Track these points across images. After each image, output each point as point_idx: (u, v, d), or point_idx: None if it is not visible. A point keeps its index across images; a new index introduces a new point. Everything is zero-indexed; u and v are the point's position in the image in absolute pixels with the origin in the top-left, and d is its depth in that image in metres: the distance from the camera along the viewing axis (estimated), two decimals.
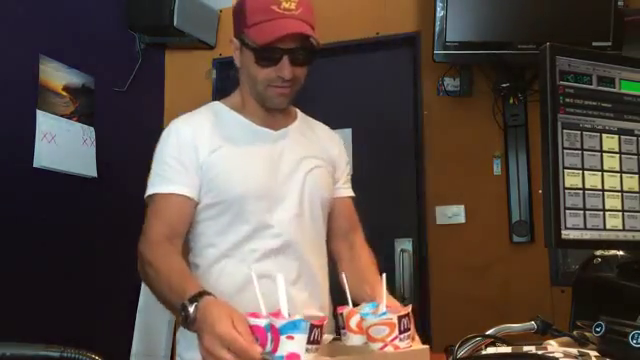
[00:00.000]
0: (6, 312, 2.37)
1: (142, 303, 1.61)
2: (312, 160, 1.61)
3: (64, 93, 2.87)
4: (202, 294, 1.20)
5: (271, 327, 0.99)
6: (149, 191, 1.50)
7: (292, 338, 0.97)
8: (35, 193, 2.68)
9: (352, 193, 1.75)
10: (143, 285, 1.60)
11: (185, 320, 1.19)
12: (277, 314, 1.03)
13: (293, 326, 0.97)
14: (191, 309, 1.17)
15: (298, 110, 1.70)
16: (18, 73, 2.66)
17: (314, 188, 1.58)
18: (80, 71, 2.96)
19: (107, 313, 2.76)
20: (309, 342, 0.97)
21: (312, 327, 0.98)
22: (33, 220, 2.66)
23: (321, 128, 1.74)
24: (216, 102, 1.63)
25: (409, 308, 1.13)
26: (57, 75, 2.83)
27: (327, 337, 1.24)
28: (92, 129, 2.99)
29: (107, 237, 2.98)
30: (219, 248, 1.51)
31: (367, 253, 1.68)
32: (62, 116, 2.84)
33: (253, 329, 1.04)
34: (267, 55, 1.45)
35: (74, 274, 2.81)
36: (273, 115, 1.59)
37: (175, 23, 3.20)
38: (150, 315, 1.58)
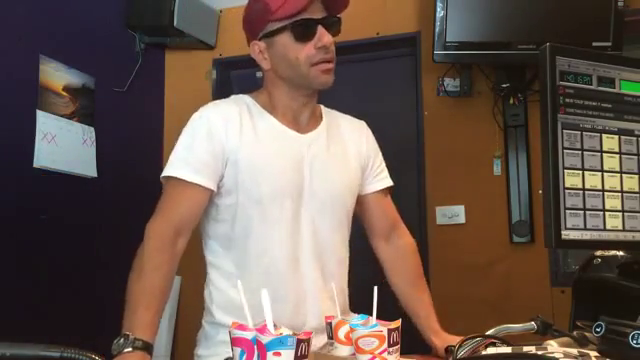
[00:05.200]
0: (6, 312, 2.37)
1: None
2: (337, 165, 1.62)
3: (64, 93, 2.87)
4: (140, 346, 1.29)
5: (257, 343, 0.98)
6: (172, 172, 1.47)
7: (279, 354, 0.95)
8: (35, 193, 2.68)
9: (387, 184, 1.76)
10: None
11: (118, 346, 1.29)
12: (263, 329, 1.01)
13: (279, 342, 0.96)
14: (127, 349, 1.28)
15: (323, 107, 1.70)
16: (18, 73, 2.66)
17: (336, 191, 1.59)
18: (80, 71, 2.96)
19: (107, 313, 2.74)
20: (296, 357, 0.96)
21: (299, 342, 0.97)
22: (33, 220, 2.66)
23: (346, 123, 1.73)
24: (245, 96, 1.61)
25: (399, 322, 1.13)
26: (57, 75, 2.83)
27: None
28: (92, 129, 2.99)
29: (107, 237, 2.98)
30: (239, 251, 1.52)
31: (413, 260, 1.74)
32: (62, 116, 2.84)
33: (239, 340, 1.01)
34: (302, 29, 1.48)
35: (74, 274, 2.81)
36: (301, 118, 1.59)
37: (175, 23, 3.20)
38: None
